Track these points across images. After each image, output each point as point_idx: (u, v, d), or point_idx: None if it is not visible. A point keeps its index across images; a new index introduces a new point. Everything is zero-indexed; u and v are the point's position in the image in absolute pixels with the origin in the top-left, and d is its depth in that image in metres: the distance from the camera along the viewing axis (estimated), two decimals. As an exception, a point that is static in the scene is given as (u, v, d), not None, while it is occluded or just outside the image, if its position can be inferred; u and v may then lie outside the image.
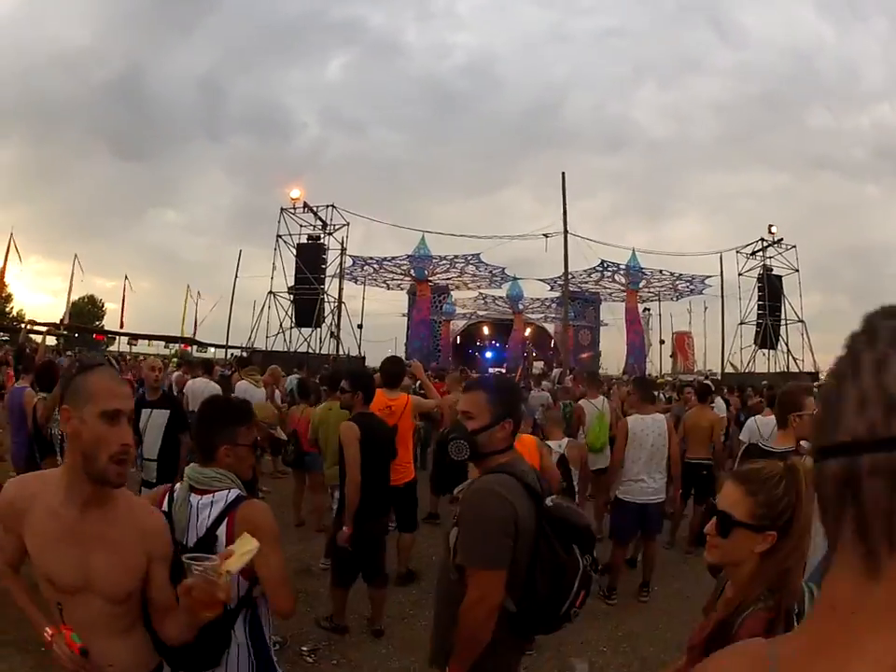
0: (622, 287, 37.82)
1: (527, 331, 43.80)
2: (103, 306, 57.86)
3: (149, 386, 5.95)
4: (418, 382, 8.41)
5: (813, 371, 26.12)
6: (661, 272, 36.65)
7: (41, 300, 65.74)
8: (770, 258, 30.43)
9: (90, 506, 1.80)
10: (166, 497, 2.38)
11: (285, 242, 28.88)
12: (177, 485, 2.42)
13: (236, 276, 31.39)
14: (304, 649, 4.46)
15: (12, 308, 51.63)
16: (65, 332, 32.36)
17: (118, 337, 37.33)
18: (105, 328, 45.78)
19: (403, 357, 6.00)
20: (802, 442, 3.67)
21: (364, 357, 29.53)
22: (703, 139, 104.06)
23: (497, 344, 46.23)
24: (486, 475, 2.29)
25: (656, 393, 12.56)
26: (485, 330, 47.95)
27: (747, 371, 28.91)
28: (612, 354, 42.36)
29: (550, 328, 45.88)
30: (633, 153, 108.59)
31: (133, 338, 34.69)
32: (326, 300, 28.77)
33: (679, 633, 4.95)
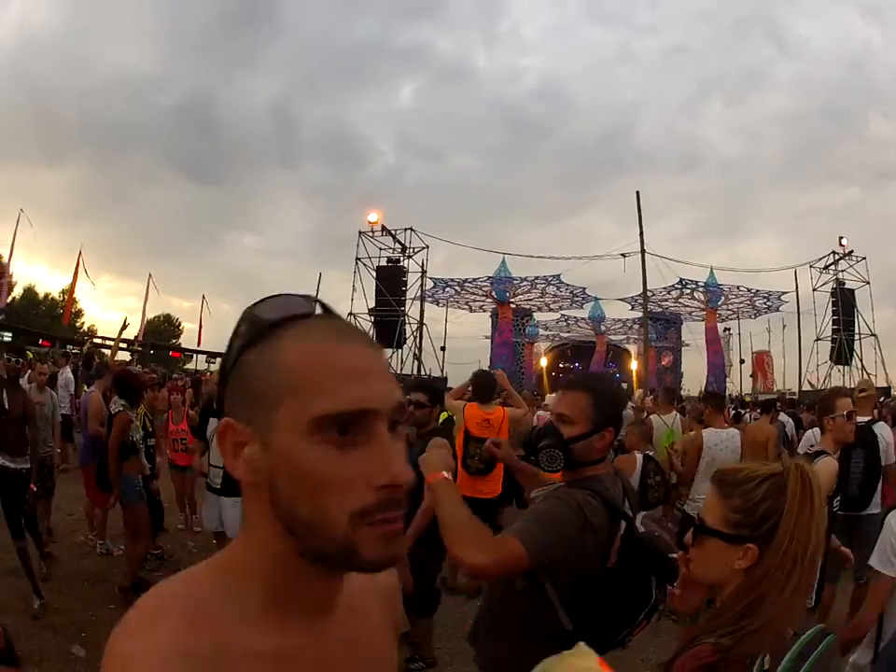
0: (701, 306, 36.86)
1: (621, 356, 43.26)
2: (179, 325, 60.04)
3: (210, 396, 6.33)
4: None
5: (886, 385, 24.84)
6: (738, 287, 35.59)
7: (114, 317, 68.66)
8: (842, 271, 29.33)
9: (319, 620, 0.81)
10: None
11: (364, 265, 29.48)
12: None
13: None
14: None
15: (83, 323, 53.80)
16: (140, 348, 33.51)
17: (195, 355, 38.69)
18: (183, 346, 47.37)
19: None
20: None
21: (446, 379, 29.77)
22: (771, 155, 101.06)
23: (580, 367, 45.67)
24: (571, 487, 2.07)
25: (743, 412, 12.42)
26: (568, 353, 47.46)
27: (823, 387, 27.68)
28: (694, 375, 41.12)
29: (632, 349, 45.02)
30: (705, 172, 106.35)
31: (211, 356, 35.52)
32: (407, 321, 29.19)
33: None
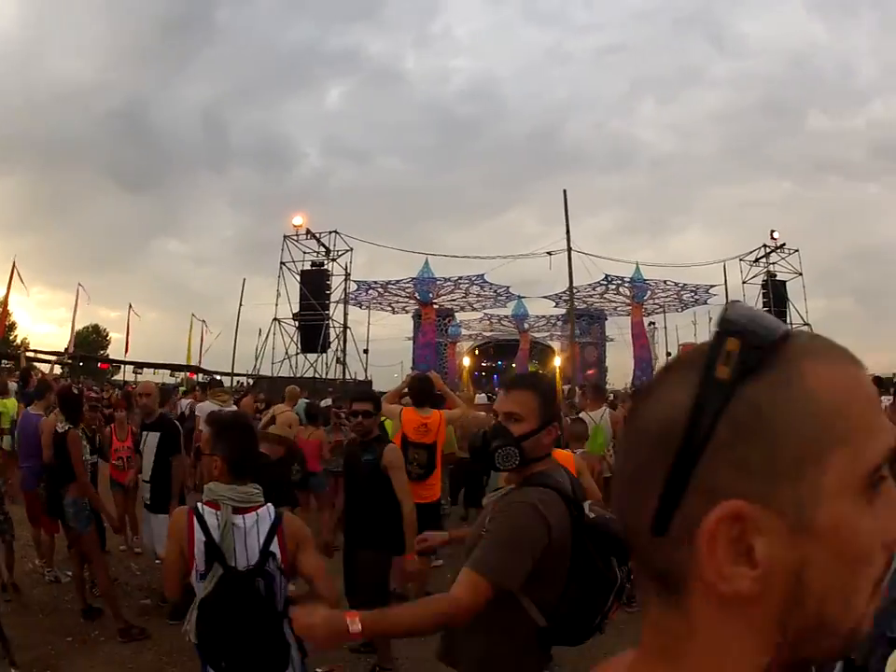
0: (626, 301, 37.72)
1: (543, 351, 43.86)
2: (107, 336, 58.60)
3: (142, 410, 5.96)
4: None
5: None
6: (665, 282, 36.59)
7: (45, 329, 66.11)
8: (773, 263, 30.48)
9: None
10: (195, 522, 2.41)
11: (289, 269, 29.08)
12: (203, 508, 2.45)
13: (240, 305, 31.37)
14: (318, 670, 4.38)
15: (16, 336, 51.73)
16: (70, 360, 32.24)
17: (122, 366, 37.29)
18: (111, 356, 45.84)
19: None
20: None
21: (371, 382, 29.50)
22: (705, 152, 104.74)
23: (503, 365, 46.02)
24: (526, 487, 2.07)
25: None
26: (491, 351, 47.80)
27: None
28: (618, 369, 42.19)
29: (556, 346, 45.69)
30: (636, 170, 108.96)
31: (139, 366, 34.56)
32: (331, 325, 28.84)
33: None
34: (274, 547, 2.41)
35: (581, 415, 7.93)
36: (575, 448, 5.89)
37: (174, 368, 37.13)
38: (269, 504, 2.50)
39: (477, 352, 48.29)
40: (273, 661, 2.38)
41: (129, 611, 5.15)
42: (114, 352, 48.78)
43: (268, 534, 2.41)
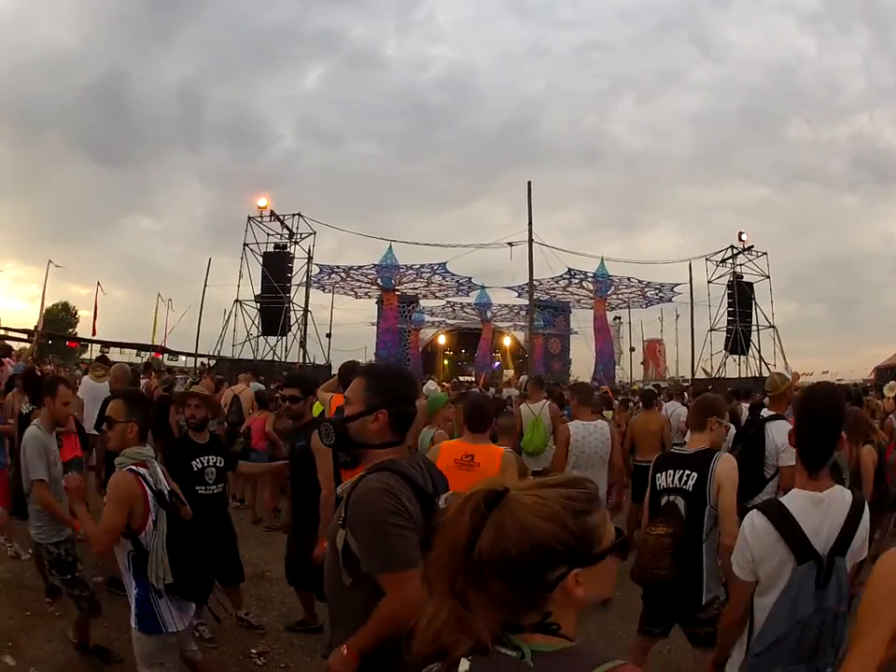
0: (590, 295, 38.05)
1: (502, 340, 43.99)
2: (76, 314, 56.89)
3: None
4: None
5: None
6: (629, 279, 36.96)
7: (17, 306, 64.35)
8: (741, 265, 30.79)
9: None
10: (143, 483, 3.14)
11: (252, 251, 28.73)
12: (139, 469, 3.16)
13: (205, 285, 30.88)
14: (254, 651, 4.50)
15: None
16: (40, 339, 31.73)
17: (90, 345, 36.62)
18: (79, 335, 44.80)
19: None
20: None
21: (330, 366, 29.34)
22: (681, 153, 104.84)
23: (466, 352, 46.20)
24: (368, 474, 2.07)
25: (629, 400, 12.89)
26: (454, 339, 47.91)
27: (717, 376, 29.07)
28: (583, 362, 42.46)
29: (520, 336, 45.95)
30: (609, 167, 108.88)
31: (105, 346, 33.80)
32: (292, 308, 28.65)
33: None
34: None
35: (521, 406, 7.96)
36: (504, 442, 5.44)
37: (140, 347, 36.59)
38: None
39: (446, 337, 48.26)
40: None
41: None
42: (82, 330, 47.34)
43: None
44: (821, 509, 2.38)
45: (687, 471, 3.56)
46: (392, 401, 2.17)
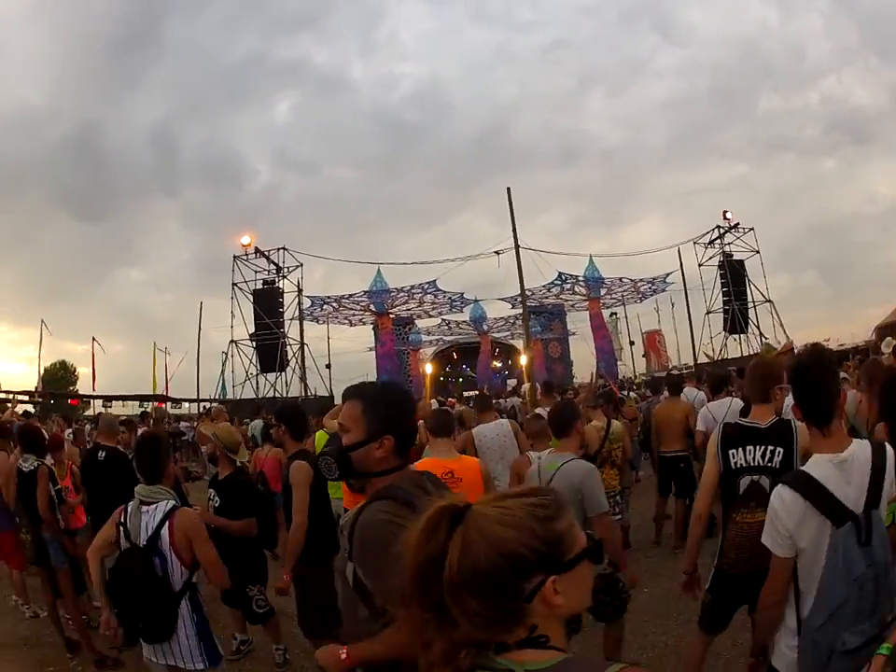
0: (583, 297, 37.91)
1: (518, 358, 43.88)
2: (75, 371, 56.56)
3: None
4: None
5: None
6: (620, 279, 36.87)
7: (16, 369, 64.33)
8: (729, 244, 30.82)
9: None
10: (122, 513, 3.24)
11: (240, 289, 28.79)
12: (130, 504, 3.25)
13: (199, 329, 30.87)
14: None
15: None
16: (40, 399, 31.49)
17: (91, 401, 36.50)
18: (80, 392, 44.39)
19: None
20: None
21: (332, 397, 29.19)
22: (656, 141, 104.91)
23: (468, 367, 46.00)
24: (370, 503, 1.96)
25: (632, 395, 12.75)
26: (454, 355, 47.74)
27: (720, 358, 28.82)
28: (584, 362, 42.17)
29: (519, 344, 45.77)
30: (587, 164, 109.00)
31: (107, 400, 33.45)
32: (287, 343, 28.59)
33: (673, 635, 4.72)
34: (165, 532, 3.12)
35: (538, 411, 7.63)
36: (539, 448, 5.19)
37: (141, 398, 36.46)
38: (172, 501, 3.26)
39: (439, 357, 48.12)
40: (158, 626, 3.09)
41: (102, 642, 5.06)
42: (83, 387, 46.86)
43: (160, 521, 3.15)
44: (846, 468, 2.29)
45: (770, 447, 3.16)
46: (397, 426, 2.02)
